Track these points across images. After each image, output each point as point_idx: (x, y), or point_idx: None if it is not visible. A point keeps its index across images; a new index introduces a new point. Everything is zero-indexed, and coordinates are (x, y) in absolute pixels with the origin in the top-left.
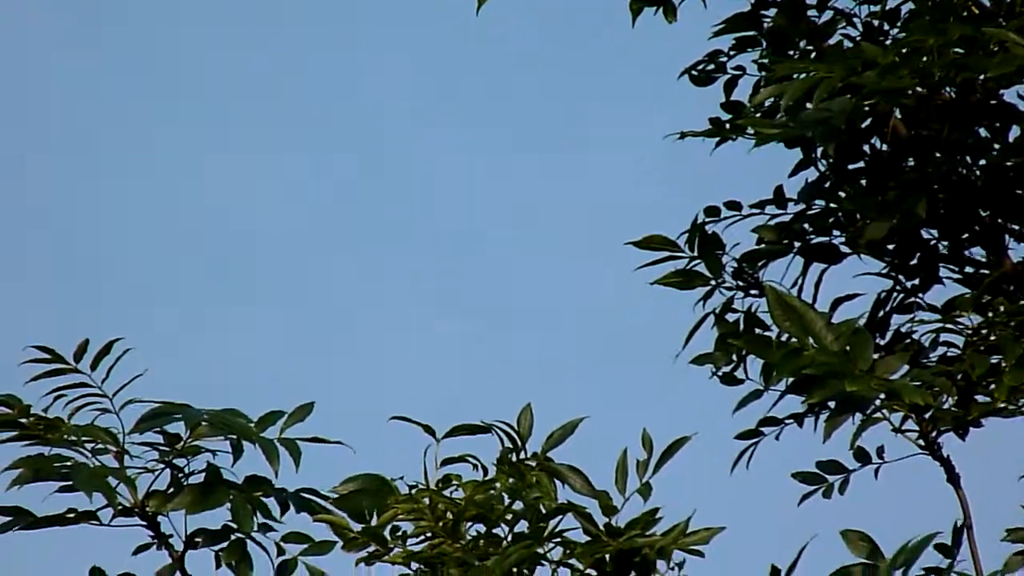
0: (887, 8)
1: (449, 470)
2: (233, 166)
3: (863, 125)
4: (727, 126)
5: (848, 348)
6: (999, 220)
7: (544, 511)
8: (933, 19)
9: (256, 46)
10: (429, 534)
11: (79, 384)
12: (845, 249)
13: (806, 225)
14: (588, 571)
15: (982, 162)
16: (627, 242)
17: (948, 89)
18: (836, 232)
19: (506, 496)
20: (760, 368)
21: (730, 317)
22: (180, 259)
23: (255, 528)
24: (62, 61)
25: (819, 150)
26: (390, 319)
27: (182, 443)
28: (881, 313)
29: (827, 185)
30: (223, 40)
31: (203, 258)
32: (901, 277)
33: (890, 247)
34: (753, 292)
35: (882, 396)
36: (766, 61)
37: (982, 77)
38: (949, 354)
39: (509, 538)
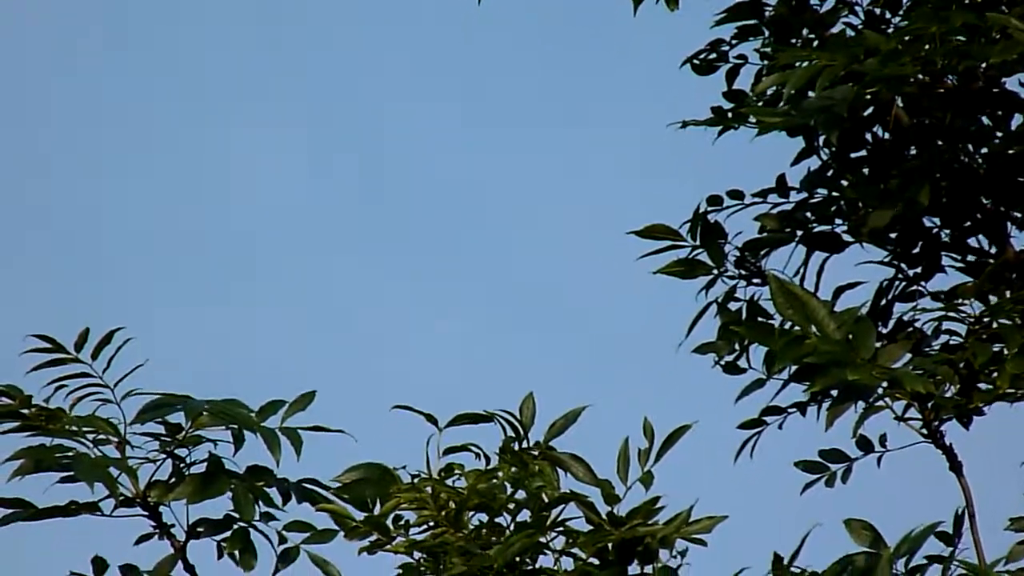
0: None
1: (451, 459)
2: (233, 166)
3: (865, 113)
4: (729, 115)
5: (850, 336)
6: (1001, 208)
7: (546, 500)
8: (935, 6)
9: (256, 46)
10: (432, 523)
11: (80, 374)
12: (847, 237)
13: (808, 214)
14: (590, 560)
15: (984, 150)
16: (629, 231)
17: (950, 77)
18: (838, 220)
19: (508, 485)
20: (763, 357)
21: (732, 306)
22: (180, 259)
23: (257, 517)
24: (62, 61)
25: (821, 138)
26: (390, 319)
27: (183, 433)
28: (883, 301)
29: (829, 173)
30: (223, 40)
31: (203, 258)
32: (903, 265)
33: (892, 235)
34: (756, 281)
35: (884, 384)
36: (768, 50)
37: (984, 65)
38: (951, 342)
39: (512, 527)
